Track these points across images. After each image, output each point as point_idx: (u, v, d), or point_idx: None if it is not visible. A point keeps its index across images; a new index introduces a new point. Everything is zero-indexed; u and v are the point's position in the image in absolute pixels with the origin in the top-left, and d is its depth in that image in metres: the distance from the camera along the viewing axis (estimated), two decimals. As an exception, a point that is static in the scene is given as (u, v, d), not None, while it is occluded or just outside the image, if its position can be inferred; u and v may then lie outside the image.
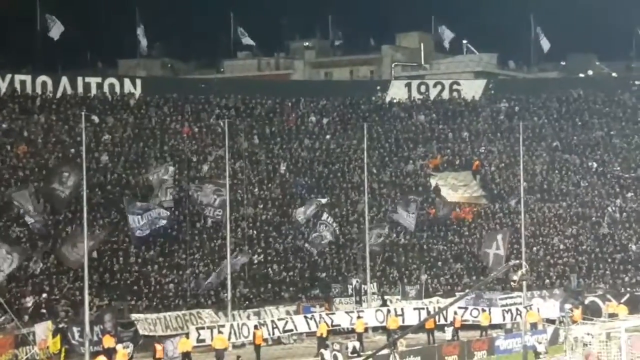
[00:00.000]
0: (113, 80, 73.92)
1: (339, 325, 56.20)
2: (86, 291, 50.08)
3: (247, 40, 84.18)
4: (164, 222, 57.45)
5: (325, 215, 61.63)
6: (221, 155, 64.02)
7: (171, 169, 61.82)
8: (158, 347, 48.19)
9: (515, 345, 50.08)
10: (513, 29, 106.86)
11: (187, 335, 50.83)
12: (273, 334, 54.80)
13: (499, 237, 61.90)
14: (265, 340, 53.20)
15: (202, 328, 52.71)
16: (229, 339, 52.01)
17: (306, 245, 61.70)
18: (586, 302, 60.52)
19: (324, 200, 63.97)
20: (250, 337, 52.56)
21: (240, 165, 66.69)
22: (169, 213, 58.33)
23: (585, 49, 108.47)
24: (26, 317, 50.01)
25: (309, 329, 55.00)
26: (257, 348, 51.03)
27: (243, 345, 53.18)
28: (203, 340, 51.35)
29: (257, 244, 62.27)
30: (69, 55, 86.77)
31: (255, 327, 52.98)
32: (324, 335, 52.23)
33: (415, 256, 65.00)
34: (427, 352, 49.36)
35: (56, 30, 71.94)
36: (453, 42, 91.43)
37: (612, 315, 55.85)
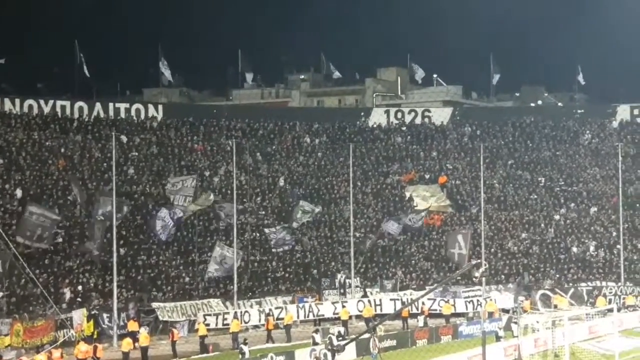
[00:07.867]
0: (139, 105, 73.77)
1: (323, 315, 55.99)
2: (115, 284, 50.09)
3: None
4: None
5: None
6: (229, 170, 63.92)
7: (190, 180, 60.95)
8: (175, 331, 48.04)
9: (476, 331, 49.73)
10: (475, 65, 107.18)
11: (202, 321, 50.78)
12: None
13: (459, 237, 61.40)
14: (264, 325, 53.06)
15: (210, 315, 52.77)
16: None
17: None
18: (538, 295, 60.41)
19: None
20: (251, 323, 53.29)
21: (245, 178, 66.65)
22: (182, 214, 57.81)
23: (536, 82, 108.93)
24: (64, 305, 49.83)
25: (298, 317, 55.10)
26: (269, 332, 50.74)
27: (246, 329, 53.03)
28: (208, 325, 51.05)
29: (259, 245, 62.13)
30: (102, 85, 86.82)
31: (267, 314, 53.01)
32: (290, 323, 52.10)
33: (392, 255, 64.95)
34: (402, 337, 49.14)
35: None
36: (425, 76, 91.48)
37: (557, 306, 55.94)
